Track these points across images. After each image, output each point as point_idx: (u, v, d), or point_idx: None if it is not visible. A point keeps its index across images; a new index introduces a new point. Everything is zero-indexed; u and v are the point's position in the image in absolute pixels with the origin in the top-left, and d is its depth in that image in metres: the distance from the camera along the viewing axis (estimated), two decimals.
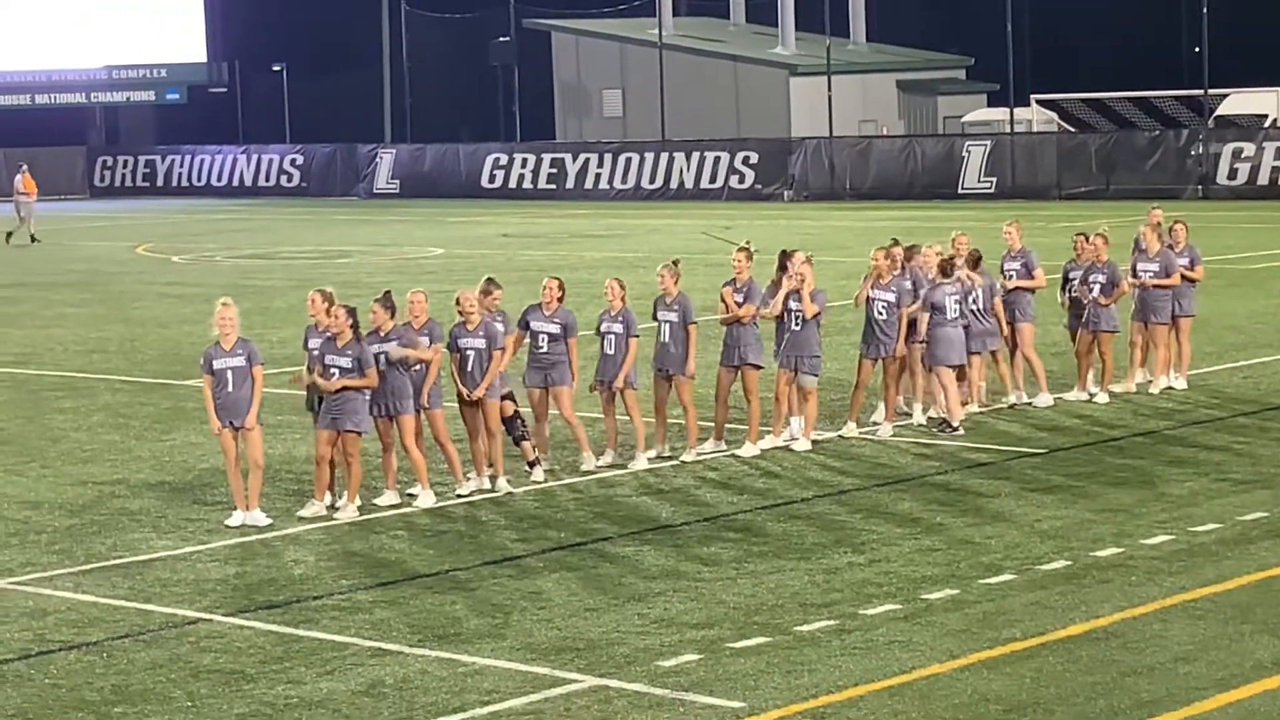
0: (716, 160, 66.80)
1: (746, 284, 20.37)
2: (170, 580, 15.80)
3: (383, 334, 18.23)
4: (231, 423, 17.57)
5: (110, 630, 14.31)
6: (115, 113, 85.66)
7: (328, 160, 75.13)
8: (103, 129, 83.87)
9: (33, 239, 52.54)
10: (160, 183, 77.99)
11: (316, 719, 12.19)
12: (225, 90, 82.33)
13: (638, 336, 19.80)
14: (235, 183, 76.76)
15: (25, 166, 57.86)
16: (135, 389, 26.14)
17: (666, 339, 20.01)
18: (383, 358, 17.99)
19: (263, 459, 17.84)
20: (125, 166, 79.74)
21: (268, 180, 76.22)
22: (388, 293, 18.71)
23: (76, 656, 13.65)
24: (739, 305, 20.23)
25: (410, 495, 18.44)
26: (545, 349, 19.56)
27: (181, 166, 78.32)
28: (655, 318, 20.17)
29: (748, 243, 21.04)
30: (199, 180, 77.57)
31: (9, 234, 53.06)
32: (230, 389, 17.61)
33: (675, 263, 20.40)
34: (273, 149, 77.57)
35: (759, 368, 20.29)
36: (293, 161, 76.09)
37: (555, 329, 19.52)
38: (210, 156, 78.13)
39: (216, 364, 17.67)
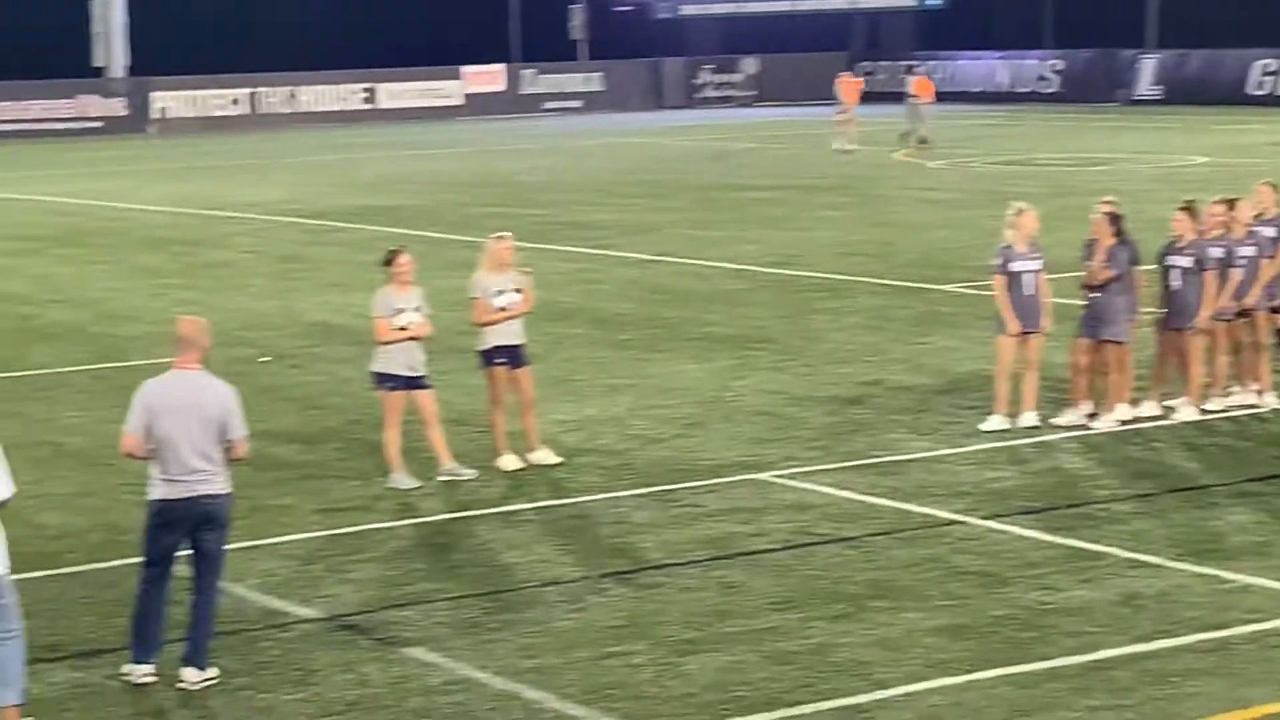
0: None
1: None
2: (926, 481, 15.97)
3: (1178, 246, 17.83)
4: (1025, 327, 17.54)
5: (868, 527, 14.59)
6: (876, 19, 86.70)
7: (1087, 65, 74.14)
8: (864, 35, 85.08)
9: (922, 141, 52.72)
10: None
11: (1076, 626, 12.11)
12: None
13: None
14: (992, 89, 76.64)
15: (921, 70, 58.48)
16: (891, 292, 26.48)
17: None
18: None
19: (1039, 363, 17.81)
20: (884, 72, 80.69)
21: (1024, 86, 75.79)
22: (1191, 201, 18.25)
23: (836, 550, 13.97)
24: None
25: (1168, 407, 18.06)
26: None
27: (939, 73, 78.71)
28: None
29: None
30: (955, 86, 77.76)
31: (904, 135, 53.46)
32: (1025, 291, 17.59)
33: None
34: (1031, 55, 77.08)
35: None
36: (1052, 68, 75.43)
37: None
38: (968, 62, 78.23)
39: (1012, 266, 17.66)
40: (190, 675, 11.32)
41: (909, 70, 58.55)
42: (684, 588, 13.09)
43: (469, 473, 16.25)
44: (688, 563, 13.72)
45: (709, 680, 11.26)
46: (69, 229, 37.14)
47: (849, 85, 54.79)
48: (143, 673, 11.39)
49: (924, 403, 19.05)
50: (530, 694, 11.11)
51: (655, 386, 20.16)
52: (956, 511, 14.97)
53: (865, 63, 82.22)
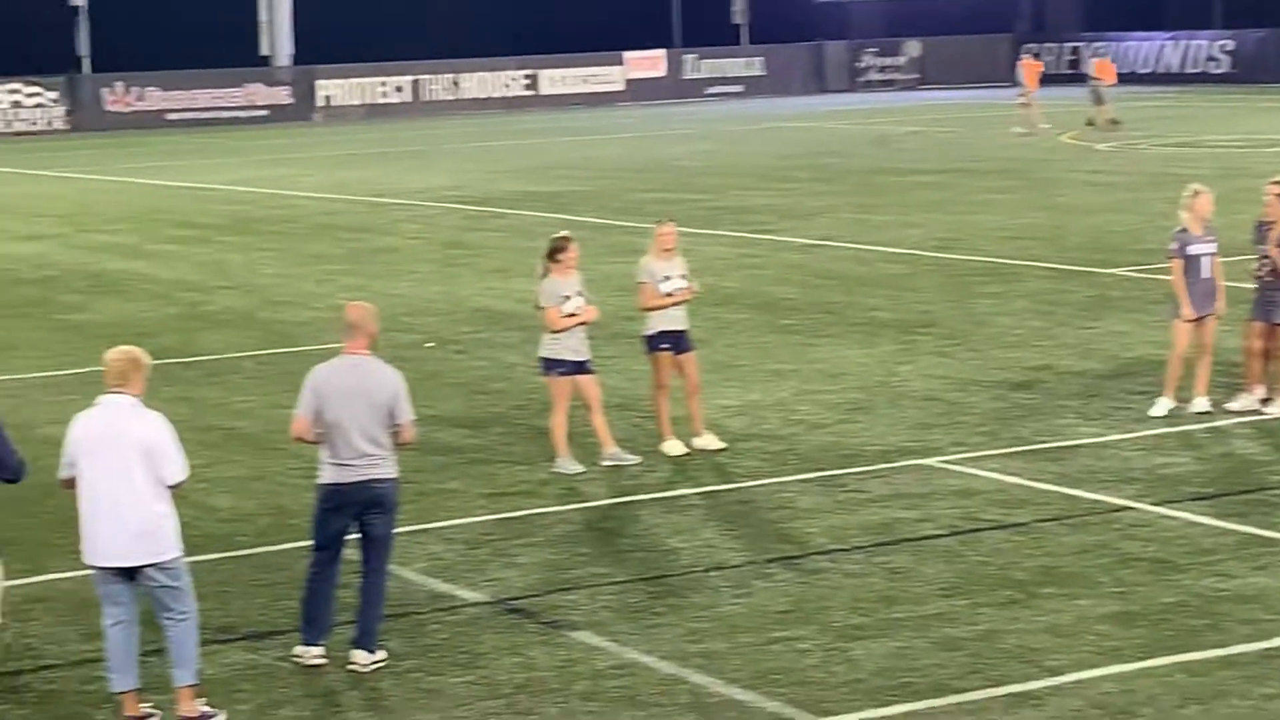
0: None
1: None
2: (1095, 467, 15.79)
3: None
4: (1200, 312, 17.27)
5: (1037, 513, 14.45)
6: (1043, 0, 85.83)
7: (1258, 45, 72.95)
8: (1029, 16, 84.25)
9: (1113, 123, 52.00)
10: (1086, 70, 77.72)
11: (1250, 613, 11.93)
12: None
13: None
14: (1160, 69, 75.62)
15: (1103, 51, 57.78)
16: (1059, 276, 26.20)
17: None
18: None
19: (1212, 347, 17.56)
20: (1050, 54, 79.85)
21: (1194, 67, 74.73)
22: None
23: (1004, 536, 13.85)
24: None
25: None
26: None
27: (1106, 55, 77.78)
28: None
29: None
30: (1123, 68, 76.78)
31: (1091, 120, 52.71)
32: (1202, 274, 17.34)
33: None
34: (1201, 35, 75.97)
35: None
36: (1222, 48, 74.29)
37: None
38: (1136, 44, 77.26)
39: (1190, 249, 17.41)
40: (360, 658, 11.42)
41: (1093, 52, 57.65)
42: (850, 573, 13.03)
43: (633, 458, 16.27)
44: (853, 548, 13.66)
45: (876, 666, 11.20)
46: (237, 216, 37.60)
47: (1030, 68, 54.02)
48: (313, 655, 11.50)
49: (1093, 388, 18.83)
50: (696, 678, 11.10)
51: (819, 371, 20.09)
52: (1127, 497, 14.79)
53: (1031, 44, 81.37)
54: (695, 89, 76.54)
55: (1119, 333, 21.60)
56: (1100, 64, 54.30)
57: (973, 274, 26.59)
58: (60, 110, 67.89)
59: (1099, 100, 52.96)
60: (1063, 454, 16.25)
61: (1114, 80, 54.29)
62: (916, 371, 19.88)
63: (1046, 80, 63.37)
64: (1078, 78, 77.05)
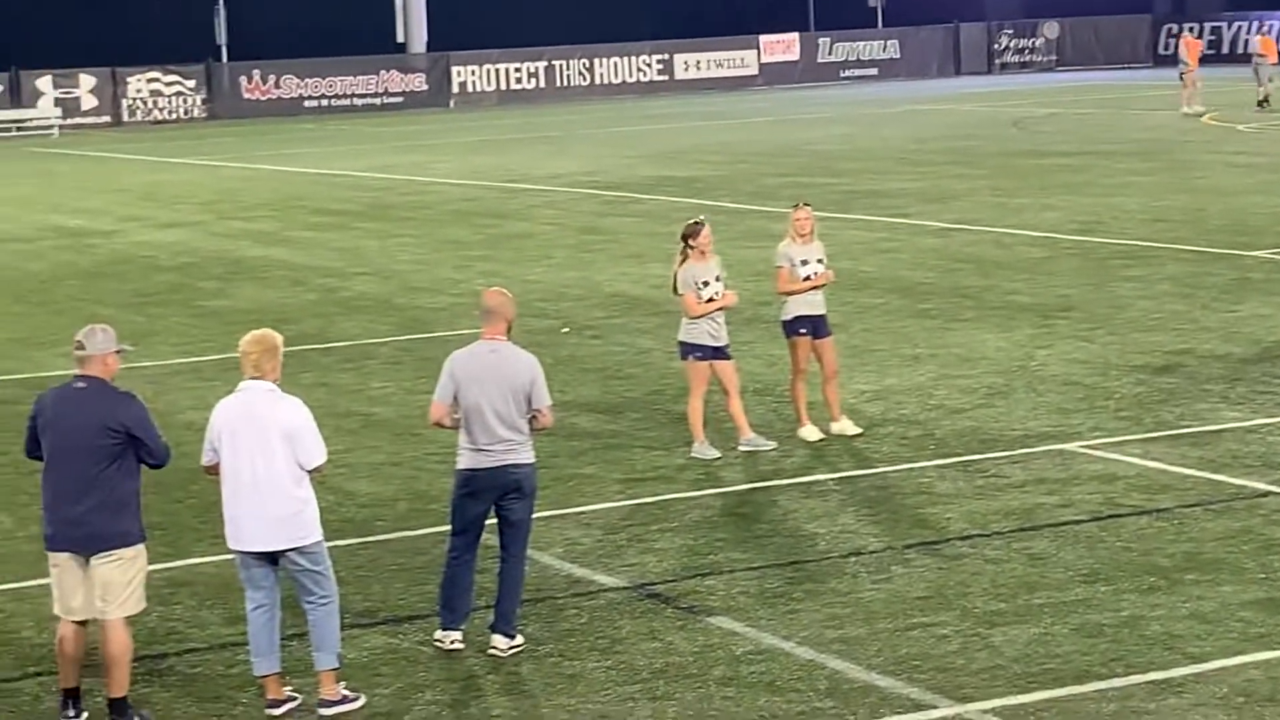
0: None
1: None
2: (1239, 451, 15.57)
3: None
4: None
5: (1180, 498, 14.26)
6: None
7: None
8: None
9: (1261, 103, 51.00)
10: (1225, 50, 76.73)
11: None
12: None
13: None
14: None
15: (1267, 29, 57.03)
16: (1200, 259, 25.87)
17: None
18: None
19: None
20: (1192, 34, 78.91)
21: None
22: None
23: (1147, 522, 13.68)
24: None
25: None
26: None
27: (1247, 33, 76.72)
28: None
29: None
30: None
31: (1261, 101, 51.82)
32: None
33: None
34: None
35: None
36: None
37: None
38: (1277, 23, 76.12)
39: None
40: (499, 642, 11.45)
41: (1258, 29, 56.77)
42: (990, 559, 12.92)
43: (769, 443, 16.22)
44: (993, 534, 13.54)
45: (1016, 653, 11.09)
46: (373, 203, 37.85)
47: (1192, 46, 53.19)
48: (452, 639, 11.54)
49: (1237, 371, 18.58)
50: (835, 664, 11.05)
51: (957, 356, 19.94)
52: (1272, 483, 14.57)
53: (1171, 24, 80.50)
54: (830, 72, 76.29)
55: (1262, 316, 21.29)
56: (1265, 40, 53.48)
57: (1112, 257, 26.30)
58: (198, 98, 68.62)
59: (1265, 75, 51.88)
60: (1206, 439, 16.04)
61: (1276, 58, 53.25)
62: (1056, 356, 19.69)
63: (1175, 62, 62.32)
64: (1221, 58, 76.17)
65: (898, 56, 77.56)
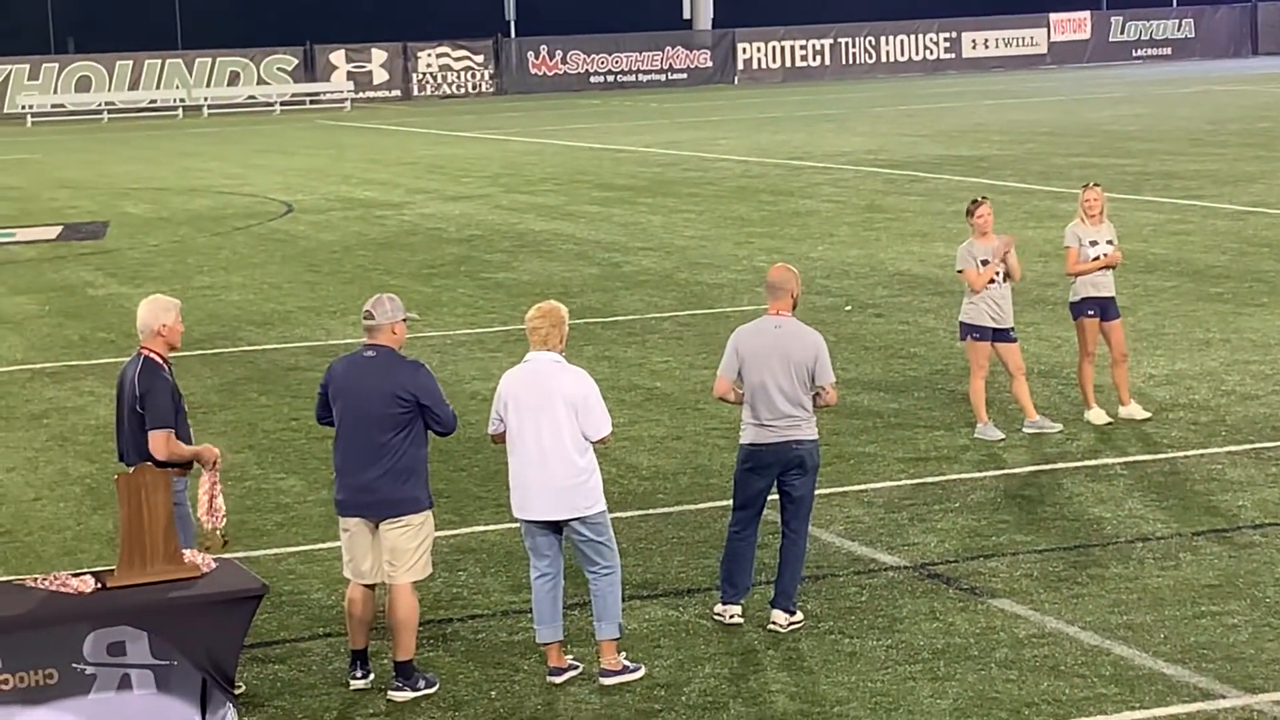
0: None
1: None
2: None
3: None
4: None
5: None
6: None
7: None
8: None
9: None
10: None
11: None
12: None
13: None
14: None
15: None
16: None
17: None
18: None
19: None
20: None
21: None
22: None
23: None
24: None
25: None
26: None
27: None
28: None
29: None
30: None
31: None
32: None
33: None
34: None
35: None
36: None
37: None
38: None
39: None
40: (779, 618, 11.43)
41: None
42: None
43: (1055, 426, 15.98)
44: None
45: None
46: (657, 179, 38.01)
47: None
48: (732, 613, 11.55)
49: None
50: (1120, 650, 10.85)
51: (1250, 341, 19.47)
52: None
53: None
54: (1121, 51, 75.02)
55: None
56: None
57: None
58: (487, 73, 69.53)
59: None
60: None
61: None
62: None
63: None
64: None
65: (1192, 36, 76.00)
